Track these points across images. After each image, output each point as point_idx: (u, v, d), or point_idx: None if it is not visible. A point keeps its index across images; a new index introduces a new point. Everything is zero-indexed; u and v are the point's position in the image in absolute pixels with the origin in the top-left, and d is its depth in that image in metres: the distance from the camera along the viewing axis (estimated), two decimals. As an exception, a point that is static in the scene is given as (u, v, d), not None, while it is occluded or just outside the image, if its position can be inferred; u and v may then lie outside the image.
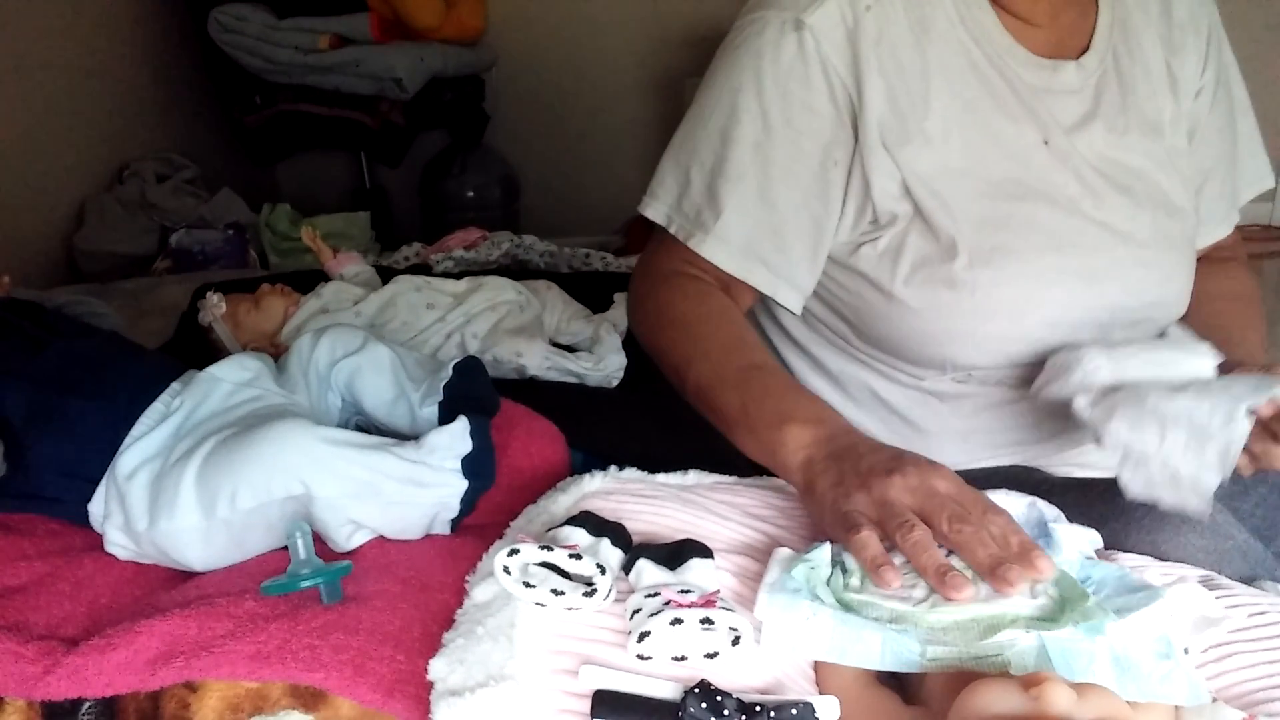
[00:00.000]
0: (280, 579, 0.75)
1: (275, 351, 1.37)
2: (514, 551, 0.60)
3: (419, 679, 0.61)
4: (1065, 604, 0.57)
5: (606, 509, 0.70)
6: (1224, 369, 0.79)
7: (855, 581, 0.61)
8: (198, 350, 1.46)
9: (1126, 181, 0.86)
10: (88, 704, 0.68)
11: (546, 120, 3.48)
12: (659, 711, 0.52)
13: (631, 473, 0.79)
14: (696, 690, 0.52)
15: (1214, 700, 0.58)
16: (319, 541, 0.83)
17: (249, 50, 2.75)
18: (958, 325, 0.83)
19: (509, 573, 0.60)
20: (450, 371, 0.98)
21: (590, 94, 3.45)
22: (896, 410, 0.93)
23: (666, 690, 0.53)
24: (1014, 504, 0.68)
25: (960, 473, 0.66)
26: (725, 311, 0.84)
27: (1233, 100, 0.96)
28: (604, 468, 0.79)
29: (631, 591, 0.60)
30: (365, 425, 1.02)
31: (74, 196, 2.41)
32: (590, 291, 1.66)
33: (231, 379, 0.95)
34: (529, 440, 0.98)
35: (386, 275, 1.62)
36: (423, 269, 1.93)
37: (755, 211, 0.84)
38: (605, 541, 0.64)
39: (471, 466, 0.86)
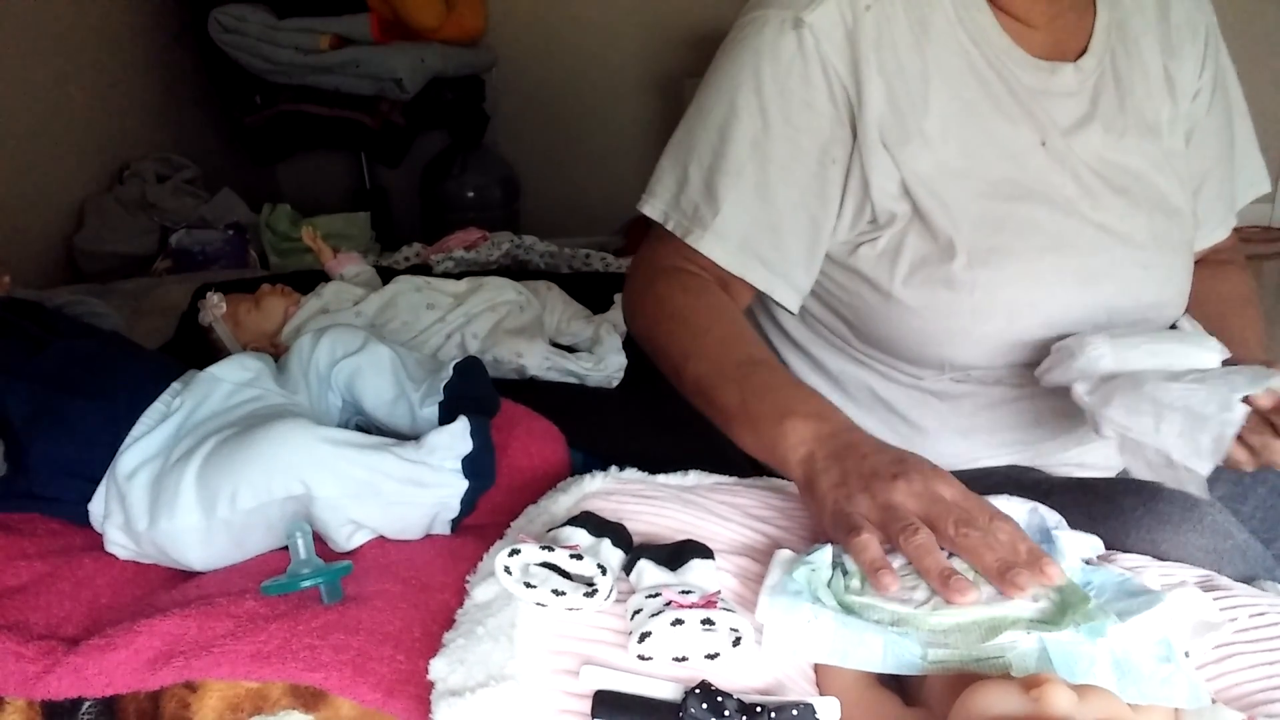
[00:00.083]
0: (280, 579, 0.75)
1: (275, 351, 1.37)
2: (515, 552, 0.60)
3: (419, 679, 0.61)
4: (1066, 606, 0.57)
5: (607, 509, 0.70)
6: (1228, 365, 0.79)
7: (856, 583, 0.61)
8: (198, 350, 1.46)
9: (1124, 183, 0.86)
10: (88, 704, 0.68)
11: (546, 120, 3.48)
12: (659, 712, 0.52)
13: (632, 473, 0.79)
14: (697, 691, 0.52)
15: (1214, 702, 0.58)
16: (319, 541, 0.83)
17: (249, 50, 2.75)
18: (956, 325, 0.83)
19: (510, 573, 0.60)
20: (450, 371, 0.98)
21: (590, 94, 3.45)
22: (896, 409, 0.93)
23: (667, 691, 0.53)
24: (1015, 509, 0.68)
25: (959, 472, 0.66)
26: (723, 307, 0.84)
27: (1230, 103, 0.97)
28: (604, 468, 0.79)
29: (632, 592, 0.60)
30: (365, 425, 1.02)
31: (74, 196, 2.41)
32: (590, 292, 1.66)
33: (232, 379, 0.95)
34: (529, 440, 0.98)
35: (387, 275, 1.62)
36: (423, 269, 1.93)
37: (753, 208, 0.84)
38: (606, 542, 0.64)
39: (472, 466, 0.86)
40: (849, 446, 0.68)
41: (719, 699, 0.51)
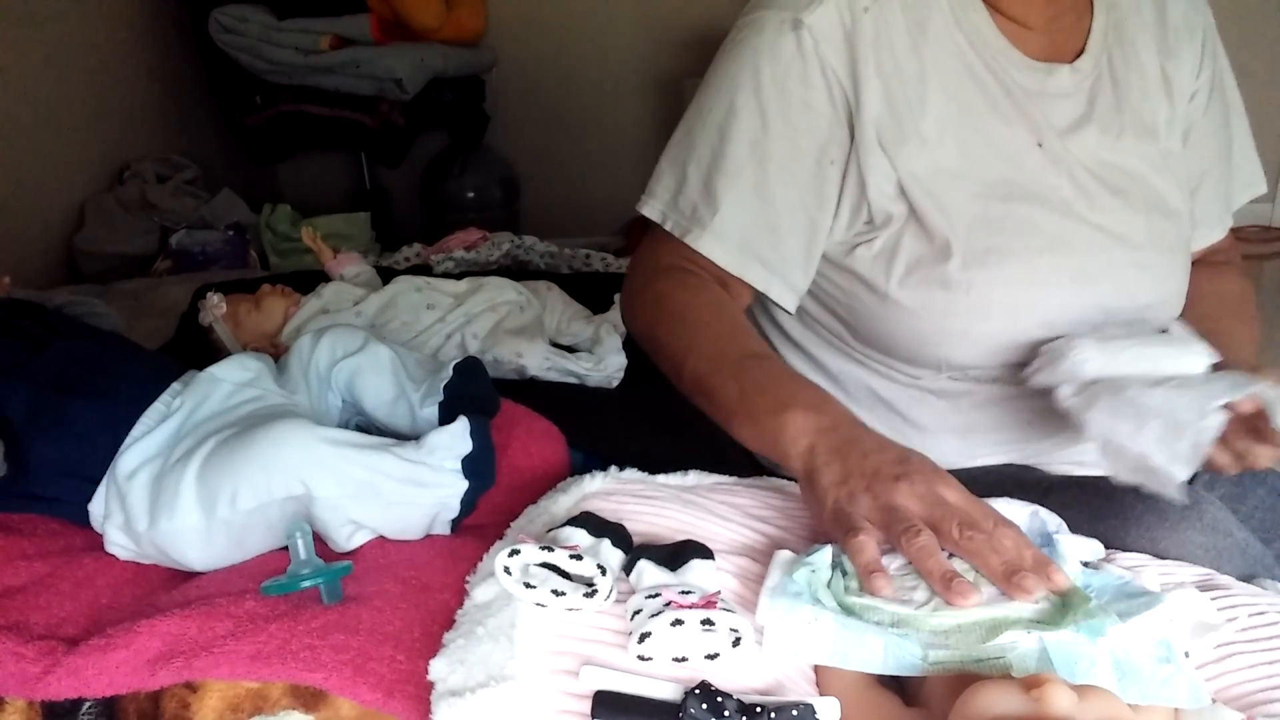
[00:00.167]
0: (280, 579, 0.75)
1: (276, 352, 1.37)
2: (515, 552, 0.60)
3: (419, 679, 0.61)
4: (1067, 607, 0.58)
5: (607, 509, 0.70)
6: (1217, 369, 0.79)
7: (855, 584, 0.61)
8: (198, 350, 1.46)
9: (1121, 184, 0.87)
10: (88, 704, 0.68)
11: (546, 120, 3.48)
12: (659, 712, 0.52)
13: (632, 473, 0.79)
14: (697, 691, 0.52)
15: (1213, 702, 0.58)
16: (319, 541, 0.83)
17: (249, 51, 2.75)
18: (952, 325, 0.83)
19: (510, 573, 0.60)
20: (450, 372, 0.98)
21: (590, 94, 3.45)
22: (895, 408, 0.93)
23: (667, 691, 0.53)
24: (1016, 512, 0.68)
25: (958, 471, 0.66)
26: (721, 304, 0.84)
27: (1227, 104, 0.97)
28: (604, 468, 0.79)
29: (632, 592, 0.60)
30: (365, 425, 1.03)
31: (74, 196, 2.41)
32: (590, 292, 1.66)
33: (232, 379, 0.95)
34: (529, 440, 0.98)
35: (387, 276, 1.63)
36: (423, 269, 1.93)
37: (751, 208, 0.84)
38: (606, 542, 0.64)
39: (472, 467, 0.86)
40: (851, 442, 0.68)
41: (719, 699, 0.51)
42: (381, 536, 0.85)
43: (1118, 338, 0.80)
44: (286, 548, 0.81)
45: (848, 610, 0.59)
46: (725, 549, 0.67)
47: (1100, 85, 0.87)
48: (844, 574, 0.62)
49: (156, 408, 0.91)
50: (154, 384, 0.93)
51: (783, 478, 0.86)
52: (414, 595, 0.74)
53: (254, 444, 0.82)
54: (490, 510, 0.89)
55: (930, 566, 0.59)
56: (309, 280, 1.58)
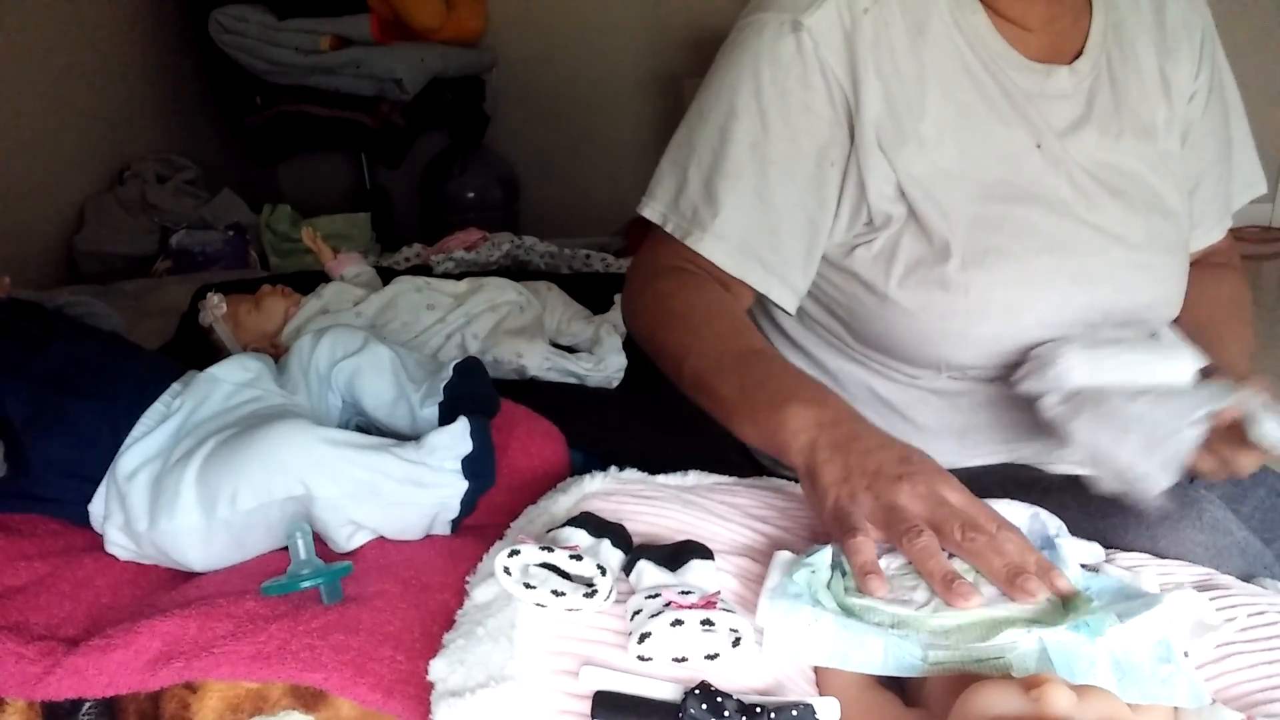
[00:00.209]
0: (280, 579, 0.75)
1: (276, 352, 1.37)
2: (514, 552, 0.60)
3: (419, 679, 0.61)
4: (1067, 607, 0.58)
5: (607, 510, 0.70)
6: (1205, 374, 0.80)
7: (855, 585, 0.61)
8: (198, 351, 1.46)
9: (1119, 185, 0.87)
10: (88, 704, 0.68)
11: (546, 120, 3.48)
12: (659, 712, 0.52)
13: (632, 473, 0.79)
14: (697, 691, 0.52)
15: (1213, 701, 0.58)
16: (319, 542, 0.83)
17: (249, 51, 2.75)
18: (951, 326, 0.84)
19: (509, 573, 0.60)
20: (451, 372, 0.98)
21: (590, 94, 3.45)
22: (894, 408, 0.93)
23: (667, 691, 0.53)
24: (1017, 514, 0.68)
25: (957, 471, 0.66)
26: (722, 302, 0.84)
27: (1226, 105, 0.97)
28: (604, 468, 0.79)
29: (632, 592, 0.60)
30: (365, 426, 1.03)
31: (74, 197, 2.42)
32: (590, 292, 1.66)
33: (232, 379, 0.95)
34: (529, 441, 0.98)
35: (387, 276, 1.63)
36: (423, 270, 1.93)
37: (752, 210, 0.84)
38: (606, 542, 0.64)
39: (472, 467, 0.86)
40: (853, 438, 0.68)
41: (719, 699, 0.51)
42: (381, 537, 0.85)
43: (1106, 343, 0.81)
44: (286, 548, 0.81)
45: (848, 611, 0.59)
46: (725, 549, 0.67)
47: (1099, 86, 0.88)
48: (843, 574, 0.62)
49: (156, 408, 0.91)
50: (154, 384, 0.93)
51: (783, 478, 0.86)
52: (414, 595, 0.74)
53: (254, 444, 0.82)
54: (490, 510, 0.89)
55: (931, 567, 0.59)
56: (309, 280, 1.59)
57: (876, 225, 0.84)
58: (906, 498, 0.63)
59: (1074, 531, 0.71)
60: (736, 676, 0.56)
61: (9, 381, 0.89)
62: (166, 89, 2.86)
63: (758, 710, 0.51)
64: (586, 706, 0.52)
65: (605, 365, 1.40)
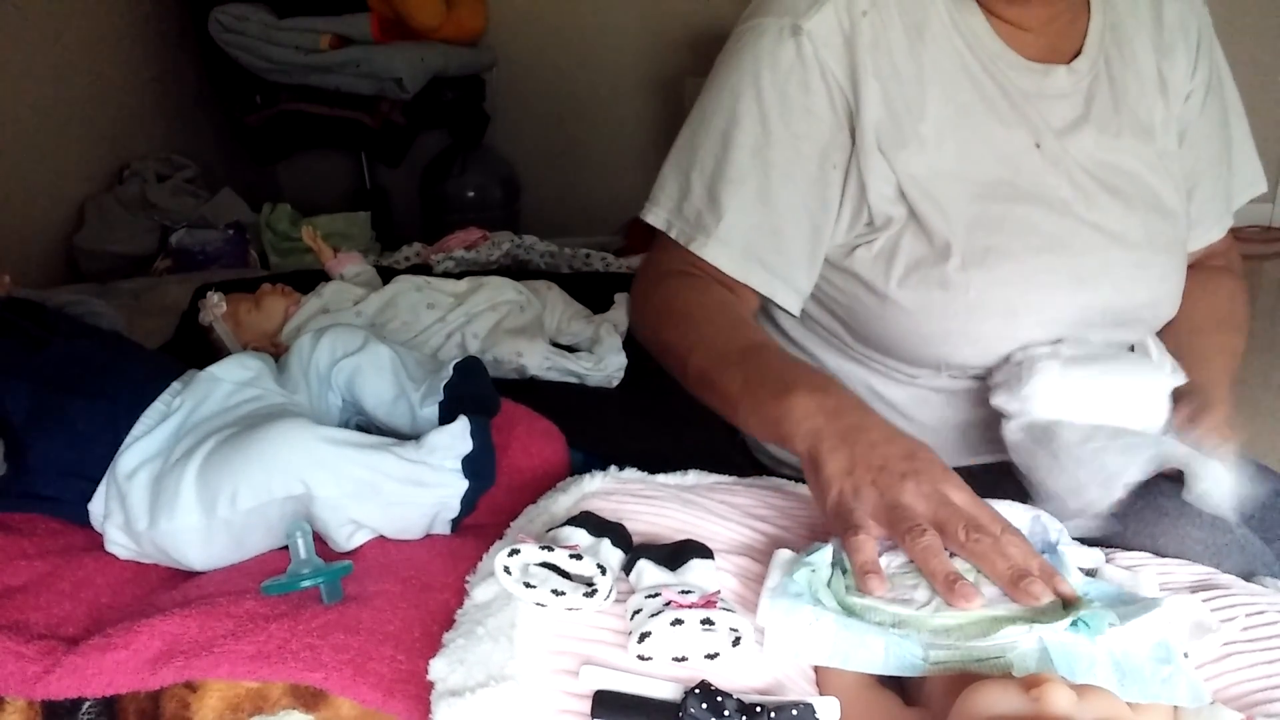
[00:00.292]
0: (280, 579, 0.75)
1: (276, 351, 1.37)
2: (514, 552, 0.60)
3: (419, 679, 0.61)
4: (1066, 605, 0.58)
5: (607, 509, 0.70)
6: (1181, 393, 0.83)
7: (855, 583, 0.61)
8: (198, 350, 1.46)
9: (1118, 184, 0.87)
10: (88, 704, 0.68)
11: (546, 120, 3.48)
12: (659, 712, 0.52)
13: (632, 473, 0.79)
14: (697, 691, 0.52)
15: (1212, 702, 0.58)
16: (319, 541, 0.83)
17: (249, 50, 2.75)
18: (951, 326, 0.84)
19: (509, 573, 0.60)
20: (451, 371, 0.98)
21: (590, 94, 3.45)
22: (895, 407, 0.94)
23: (667, 691, 0.53)
24: (1019, 516, 0.68)
25: (958, 469, 0.66)
26: (725, 302, 0.85)
27: (1225, 104, 0.97)
28: (604, 468, 0.79)
29: (632, 592, 0.60)
30: (365, 425, 1.02)
31: (74, 196, 2.41)
32: (590, 292, 1.66)
33: (232, 379, 0.95)
34: (529, 440, 0.98)
35: (387, 275, 1.62)
36: (423, 269, 1.93)
37: (755, 215, 0.84)
38: (606, 542, 0.64)
39: (472, 466, 0.86)
40: (858, 429, 0.68)
41: (719, 699, 0.51)
42: (381, 536, 0.85)
43: (1086, 360, 0.82)
44: (286, 547, 0.81)
45: (848, 610, 0.59)
46: (725, 549, 0.67)
47: (1097, 86, 0.88)
48: (844, 572, 0.62)
49: (156, 407, 0.91)
50: (154, 384, 0.93)
51: (783, 477, 0.86)
52: (414, 595, 0.74)
53: (254, 443, 0.82)
54: (490, 510, 0.89)
55: (934, 567, 0.59)
56: (309, 280, 1.58)
57: (877, 226, 0.85)
58: (911, 496, 0.63)
59: (1073, 531, 0.72)
60: (736, 676, 0.56)
61: (9, 381, 0.89)
62: (166, 88, 2.85)
63: (758, 710, 0.51)
64: (586, 706, 0.52)
65: (605, 365, 1.40)
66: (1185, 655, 0.59)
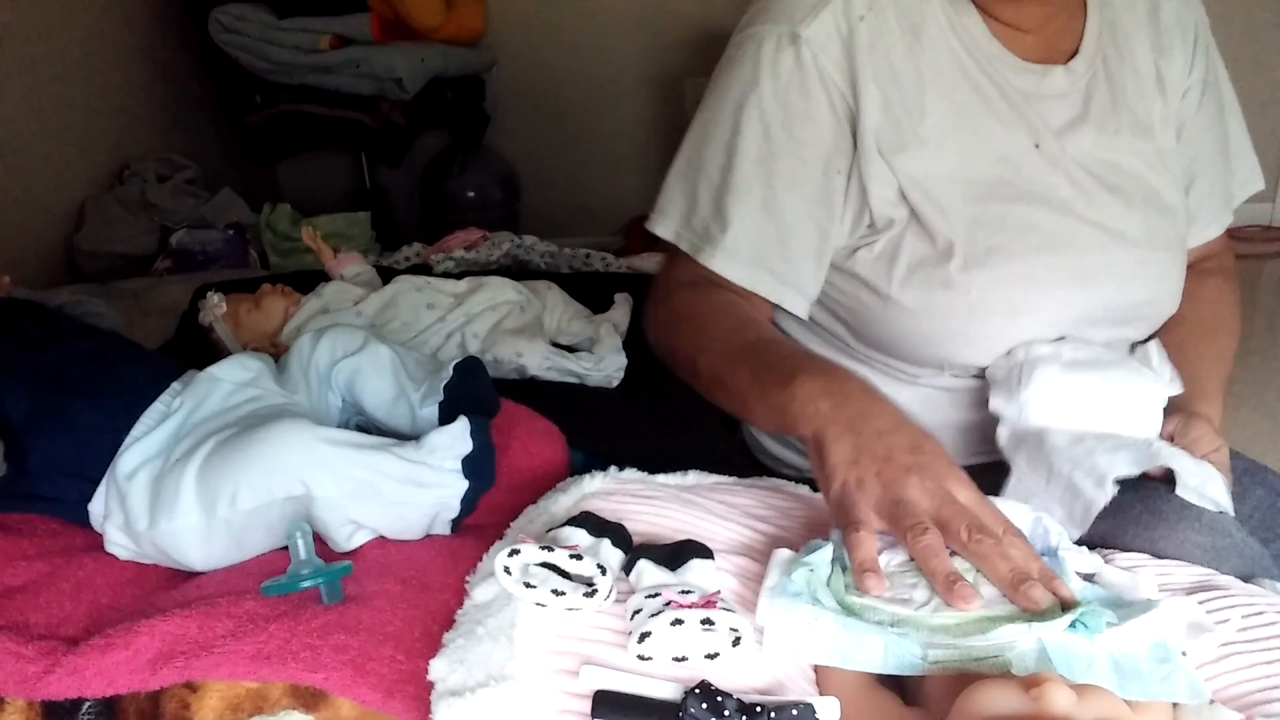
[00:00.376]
0: (280, 579, 0.75)
1: (276, 351, 1.37)
2: (514, 552, 0.61)
3: (419, 679, 0.61)
4: (1065, 607, 0.58)
5: (607, 509, 0.70)
6: (1170, 405, 0.83)
7: (854, 581, 0.61)
8: (198, 350, 1.46)
9: (1117, 182, 0.87)
10: (88, 704, 0.68)
11: (546, 120, 3.48)
12: (659, 712, 0.52)
13: (631, 473, 0.79)
14: (697, 691, 0.52)
15: (1212, 702, 0.58)
16: (319, 541, 0.83)
17: (249, 50, 2.75)
18: (953, 325, 0.84)
19: (509, 573, 0.60)
20: (451, 371, 0.98)
21: (590, 94, 3.45)
22: (897, 407, 0.94)
23: (667, 691, 0.53)
24: (1020, 516, 0.68)
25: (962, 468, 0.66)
26: (732, 304, 0.86)
27: (1222, 102, 0.97)
28: (604, 468, 0.79)
29: (632, 592, 0.60)
30: (365, 425, 1.02)
31: (74, 196, 2.41)
32: (590, 292, 1.66)
33: (232, 379, 0.95)
34: (529, 440, 0.98)
35: (387, 275, 1.62)
36: (423, 269, 1.93)
37: (762, 224, 0.85)
38: (606, 542, 0.64)
39: (472, 467, 0.86)
40: (864, 416, 0.67)
41: (719, 699, 0.51)
42: (381, 536, 0.85)
43: (1085, 365, 0.82)
44: (286, 548, 0.81)
45: (847, 609, 0.59)
46: (725, 549, 0.67)
47: (1095, 85, 0.88)
48: (844, 569, 0.62)
49: (156, 407, 0.91)
50: (154, 384, 0.93)
51: (783, 477, 0.86)
52: (414, 595, 0.74)
53: (254, 444, 0.82)
54: (490, 510, 0.89)
55: (934, 566, 0.59)
56: (309, 280, 1.58)
57: (878, 228, 0.85)
58: (915, 492, 0.62)
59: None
60: (736, 676, 0.56)
61: (9, 381, 0.89)
62: (166, 88, 2.86)
63: (758, 709, 0.51)
64: (586, 706, 0.52)
65: (605, 365, 1.40)
66: (1183, 654, 0.59)
